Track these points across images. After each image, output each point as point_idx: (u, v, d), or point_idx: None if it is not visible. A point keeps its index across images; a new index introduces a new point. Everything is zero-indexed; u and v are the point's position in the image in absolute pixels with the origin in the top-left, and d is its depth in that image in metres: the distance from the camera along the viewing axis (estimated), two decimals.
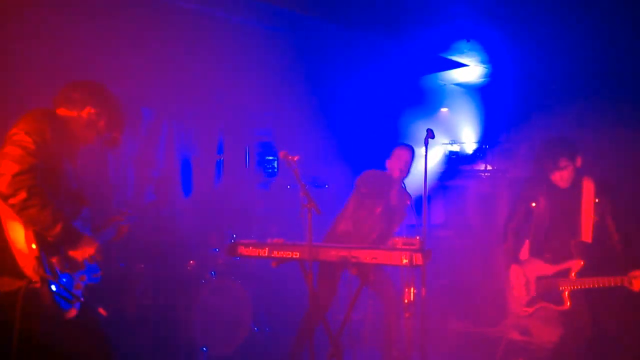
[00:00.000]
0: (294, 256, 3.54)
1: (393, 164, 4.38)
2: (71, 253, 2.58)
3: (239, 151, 6.98)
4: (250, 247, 3.73)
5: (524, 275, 3.74)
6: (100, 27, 4.41)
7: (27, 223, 2.41)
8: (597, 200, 3.50)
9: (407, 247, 3.25)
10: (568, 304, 3.47)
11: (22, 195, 2.34)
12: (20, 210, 2.37)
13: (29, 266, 2.39)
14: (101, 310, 2.63)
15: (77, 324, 2.58)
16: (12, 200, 2.35)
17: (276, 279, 5.20)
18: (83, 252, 2.60)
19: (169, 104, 6.11)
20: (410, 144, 4.51)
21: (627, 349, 3.58)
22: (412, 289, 3.37)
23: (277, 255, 3.61)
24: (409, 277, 3.32)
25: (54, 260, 2.49)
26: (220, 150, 6.79)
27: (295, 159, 3.44)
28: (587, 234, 3.52)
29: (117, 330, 4.23)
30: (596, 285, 3.35)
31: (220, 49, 5.37)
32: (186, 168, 6.41)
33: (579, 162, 3.54)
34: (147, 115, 5.92)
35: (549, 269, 3.63)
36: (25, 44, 4.24)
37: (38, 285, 2.39)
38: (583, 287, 3.42)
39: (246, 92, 6.43)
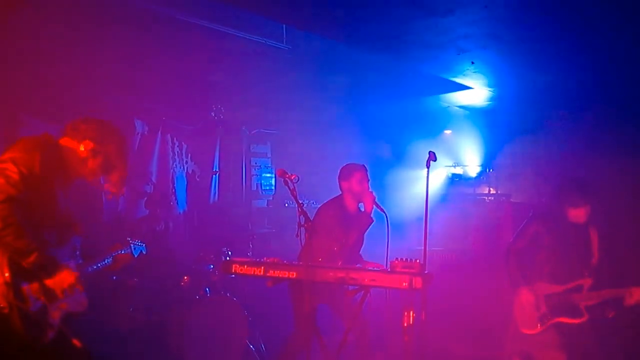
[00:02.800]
0: (290, 276, 3.45)
1: (351, 186, 4.14)
2: (47, 282, 2.57)
3: (235, 167, 6.91)
4: (246, 266, 3.64)
5: (533, 295, 3.84)
6: (94, 38, 4.37)
7: (3, 248, 2.42)
8: (600, 242, 3.84)
9: (407, 270, 3.18)
10: (586, 316, 3.68)
11: None
12: None
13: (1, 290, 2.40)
14: (75, 342, 2.62)
15: (53, 351, 2.57)
16: None
17: (272, 296, 5.09)
18: (61, 282, 2.59)
19: (163, 117, 6.02)
20: (407, 164, 4.41)
21: None
22: (411, 313, 3.27)
23: (273, 275, 3.52)
24: (409, 300, 3.23)
25: (32, 287, 2.51)
26: (216, 166, 6.70)
27: (292, 177, 3.38)
28: (594, 261, 3.83)
29: (110, 346, 4.13)
30: (605, 298, 3.64)
31: (218, 62, 5.34)
32: (181, 183, 6.30)
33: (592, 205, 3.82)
34: (140, 127, 5.78)
35: (557, 288, 3.79)
36: (15, 56, 4.19)
37: (6, 310, 2.39)
38: (597, 300, 3.67)
39: (244, 107, 6.39)
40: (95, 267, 2.93)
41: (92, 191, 4.94)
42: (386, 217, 3.96)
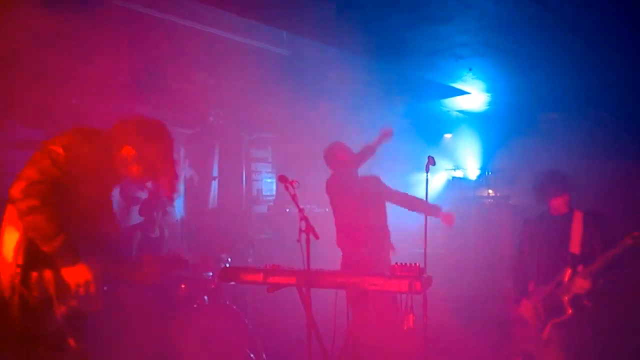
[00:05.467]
0: (290, 282, 3.45)
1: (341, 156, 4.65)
2: (64, 272, 2.48)
3: (235, 172, 6.89)
4: (245, 273, 3.63)
5: (533, 307, 3.86)
6: (88, 42, 4.36)
7: (28, 229, 2.39)
8: (585, 229, 3.76)
9: (407, 273, 3.18)
10: (569, 311, 3.67)
11: (34, 202, 2.34)
12: (26, 215, 2.35)
13: (6, 274, 2.38)
14: (70, 341, 2.52)
15: (45, 344, 2.50)
16: (20, 204, 2.35)
17: (273, 303, 5.08)
18: (76, 276, 2.49)
19: (159, 120, 6.00)
20: (409, 168, 4.52)
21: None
22: (411, 316, 3.28)
23: (273, 281, 3.51)
24: (409, 304, 3.23)
25: (44, 275, 2.45)
26: (215, 171, 6.67)
27: (293, 182, 3.38)
28: (575, 249, 3.77)
29: (106, 356, 4.12)
30: (578, 287, 3.61)
31: (219, 66, 5.34)
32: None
33: (570, 193, 3.86)
34: None
35: (546, 289, 3.81)
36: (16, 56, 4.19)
37: (7, 294, 2.37)
38: (574, 291, 3.64)
39: (243, 111, 6.38)
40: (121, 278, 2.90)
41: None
42: None
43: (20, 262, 2.38)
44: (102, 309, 2.70)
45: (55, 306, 2.48)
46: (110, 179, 2.75)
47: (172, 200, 3.13)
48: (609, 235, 3.71)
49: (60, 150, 2.44)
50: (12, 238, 2.41)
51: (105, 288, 2.71)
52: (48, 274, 2.46)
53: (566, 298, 3.69)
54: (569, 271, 3.71)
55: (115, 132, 2.70)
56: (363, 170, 5.05)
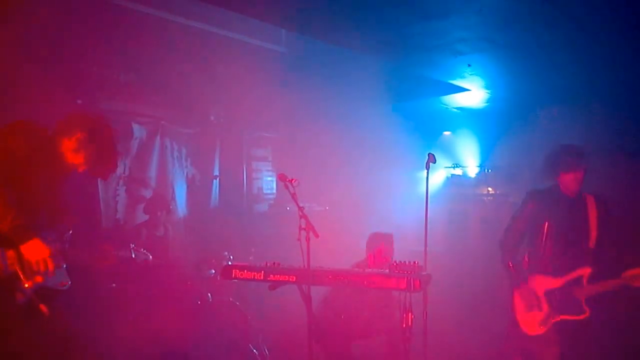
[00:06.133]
0: (290, 280, 3.48)
1: (375, 254, 4.36)
2: (22, 249, 2.78)
3: (236, 171, 6.92)
4: (246, 271, 3.68)
5: (533, 294, 3.75)
6: (93, 40, 4.39)
7: None
8: (599, 217, 3.67)
9: (406, 271, 3.20)
10: (587, 312, 3.56)
11: None
12: None
13: None
14: (42, 307, 2.80)
15: (20, 313, 2.80)
16: None
17: (275, 300, 5.10)
18: (34, 253, 2.78)
19: (161, 121, 6.01)
20: (409, 165, 4.48)
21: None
22: (410, 314, 3.30)
23: (273, 279, 3.55)
24: (407, 302, 3.26)
25: (8, 253, 2.75)
26: (216, 170, 6.69)
27: (293, 181, 3.40)
28: (592, 242, 3.66)
29: (111, 354, 4.15)
30: (606, 289, 3.51)
31: (218, 66, 5.36)
32: (180, 188, 6.29)
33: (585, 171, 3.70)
34: (139, 132, 5.77)
35: (557, 282, 3.68)
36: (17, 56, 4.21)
37: None
38: (596, 292, 3.55)
39: (244, 111, 6.39)
40: (78, 260, 3.13)
41: (89, 189, 5.04)
42: None
43: None
44: (69, 285, 3.02)
45: (22, 280, 2.80)
46: (58, 168, 2.97)
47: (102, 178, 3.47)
48: (615, 222, 3.66)
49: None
50: None
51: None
52: (11, 252, 2.77)
53: (584, 298, 3.58)
54: (589, 270, 3.58)
55: (63, 124, 2.96)
56: (363, 169, 5.07)
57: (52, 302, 2.88)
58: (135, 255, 3.97)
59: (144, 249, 4.08)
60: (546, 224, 3.74)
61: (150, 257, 4.13)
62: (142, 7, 4.37)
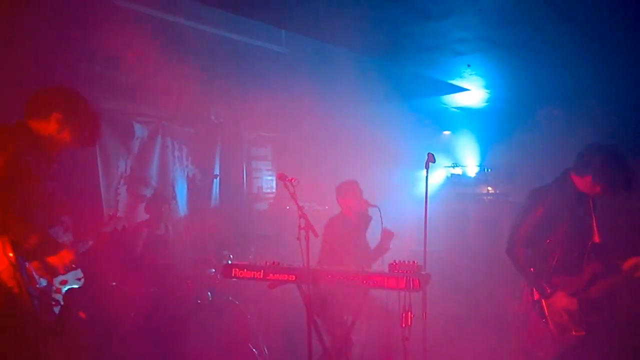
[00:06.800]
0: (290, 279, 3.49)
1: (348, 202, 4.51)
2: (49, 260, 2.66)
3: (236, 170, 6.93)
4: (245, 270, 3.69)
5: (565, 297, 3.38)
6: (93, 40, 4.39)
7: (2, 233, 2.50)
8: (594, 205, 3.54)
9: (405, 271, 3.21)
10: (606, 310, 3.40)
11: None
12: None
13: (5, 273, 2.45)
14: (81, 314, 2.77)
15: (61, 325, 2.69)
16: None
17: (275, 299, 5.11)
18: (62, 259, 2.69)
19: (163, 120, 6.02)
20: (406, 166, 4.51)
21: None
22: (409, 314, 3.30)
23: (273, 278, 3.56)
24: (407, 301, 3.26)
25: (34, 265, 2.60)
26: (216, 169, 6.71)
27: (293, 180, 3.41)
28: (597, 237, 3.48)
29: (112, 352, 4.16)
30: (612, 286, 3.37)
31: (219, 66, 5.36)
32: (181, 187, 6.31)
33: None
34: (140, 132, 5.79)
35: (573, 281, 3.40)
36: (16, 56, 4.21)
37: (16, 290, 2.46)
38: (607, 290, 3.37)
39: (244, 110, 6.40)
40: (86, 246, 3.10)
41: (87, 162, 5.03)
42: (379, 211, 4.34)
43: (13, 260, 2.48)
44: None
45: (54, 288, 2.69)
46: (49, 152, 2.80)
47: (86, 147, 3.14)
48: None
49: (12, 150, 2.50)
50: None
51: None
52: (36, 263, 2.62)
53: (597, 295, 3.35)
54: (597, 265, 3.39)
55: (36, 107, 2.74)
56: (365, 170, 5.09)
57: (82, 303, 2.84)
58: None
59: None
60: (563, 224, 3.43)
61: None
62: (143, 8, 4.37)
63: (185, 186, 6.38)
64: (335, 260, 3.99)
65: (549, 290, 3.37)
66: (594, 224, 3.51)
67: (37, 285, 2.59)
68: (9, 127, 2.68)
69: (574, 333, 3.37)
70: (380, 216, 4.34)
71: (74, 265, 2.76)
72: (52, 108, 2.73)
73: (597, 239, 3.48)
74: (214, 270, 5.09)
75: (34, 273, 2.59)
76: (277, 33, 5.17)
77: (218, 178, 6.71)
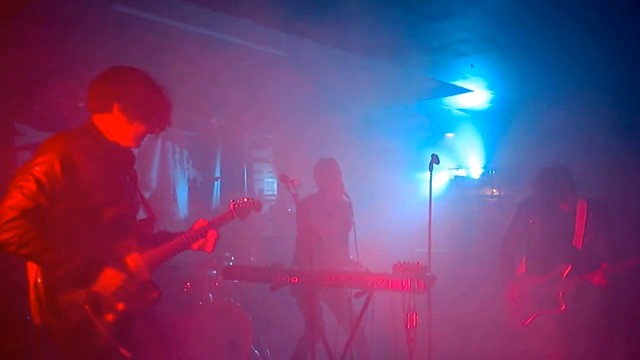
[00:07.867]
0: (292, 281, 3.44)
1: (325, 178, 4.35)
2: (94, 289, 2.28)
3: (237, 173, 6.90)
4: (247, 271, 3.65)
5: (519, 290, 3.95)
6: (94, 46, 4.37)
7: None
8: (590, 216, 3.83)
9: (410, 272, 3.17)
10: (563, 306, 3.75)
11: (14, 243, 2.10)
12: (19, 256, 2.16)
13: (35, 304, 2.24)
14: (124, 352, 2.32)
15: None
16: (8, 248, 2.12)
17: (276, 300, 5.08)
18: (107, 286, 2.29)
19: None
20: (410, 167, 4.44)
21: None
22: (414, 315, 3.26)
23: (275, 280, 3.53)
24: (411, 303, 3.22)
25: (76, 296, 2.26)
26: (217, 172, 6.69)
27: (294, 182, 3.38)
28: (578, 243, 3.83)
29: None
30: (582, 282, 3.68)
31: (219, 68, 5.34)
32: (182, 189, 6.28)
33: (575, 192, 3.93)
34: None
35: (541, 280, 3.87)
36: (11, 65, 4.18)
37: (53, 326, 2.24)
38: (573, 287, 3.72)
39: (244, 113, 6.38)
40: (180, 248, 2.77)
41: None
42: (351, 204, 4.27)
43: (42, 294, 2.22)
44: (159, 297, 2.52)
45: (99, 320, 2.30)
46: (122, 154, 2.58)
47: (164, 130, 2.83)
48: (614, 224, 3.80)
49: (28, 177, 2.16)
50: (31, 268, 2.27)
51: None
52: (81, 293, 2.26)
53: (561, 293, 3.76)
54: (569, 267, 3.75)
55: (99, 98, 2.44)
56: (368, 172, 5.04)
57: (131, 339, 2.40)
58: None
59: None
60: (535, 230, 3.97)
61: None
62: (144, 13, 4.35)
63: (186, 189, 6.36)
64: (309, 253, 3.60)
65: (508, 277, 4.03)
66: (578, 236, 3.82)
67: (71, 321, 2.26)
68: (60, 138, 2.33)
69: (522, 322, 3.89)
70: (352, 211, 4.26)
71: (124, 290, 2.35)
72: (110, 99, 2.41)
73: (577, 246, 3.81)
74: (215, 272, 5.07)
75: (70, 306, 2.26)
76: (278, 36, 5.15)
77: (219, 180, 6.69)
